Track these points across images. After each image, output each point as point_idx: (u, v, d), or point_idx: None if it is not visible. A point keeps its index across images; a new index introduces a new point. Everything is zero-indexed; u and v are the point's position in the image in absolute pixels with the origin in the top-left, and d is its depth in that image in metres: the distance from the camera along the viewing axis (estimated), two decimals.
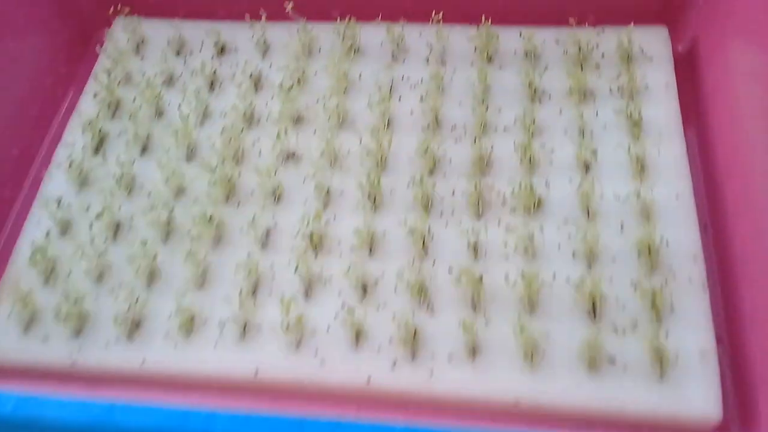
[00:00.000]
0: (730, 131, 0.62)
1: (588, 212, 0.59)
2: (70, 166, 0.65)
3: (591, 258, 0.57)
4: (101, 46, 0.74)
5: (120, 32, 0.74)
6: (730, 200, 0.59)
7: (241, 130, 0.67)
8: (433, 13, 0.69)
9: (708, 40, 0.68)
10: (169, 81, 0.71)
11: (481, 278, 0.56)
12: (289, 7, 0.70)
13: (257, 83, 0.70)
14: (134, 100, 0.69)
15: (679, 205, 0.59)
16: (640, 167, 0.61)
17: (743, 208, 0.58)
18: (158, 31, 0.74)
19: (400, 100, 0.68)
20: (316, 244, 0.60)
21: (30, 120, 0.70)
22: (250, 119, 0.68)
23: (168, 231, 0.62)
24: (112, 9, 0.74)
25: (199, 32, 0.74)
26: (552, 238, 0.58)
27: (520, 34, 0.69)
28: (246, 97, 0.68)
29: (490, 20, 0.69)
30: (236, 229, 0.61)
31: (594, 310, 0.55)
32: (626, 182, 0.60)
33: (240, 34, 0.73)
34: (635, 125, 0.63)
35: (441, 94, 0.67)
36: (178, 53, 0.73)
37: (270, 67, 0.71)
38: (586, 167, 0.62)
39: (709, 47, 0.67)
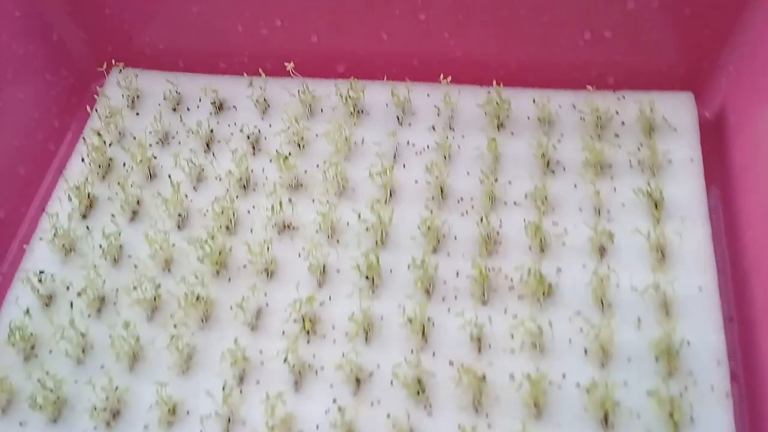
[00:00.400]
0: (760, 212, 0.57)
1: (602, 304, 0.55)
2: (54, 236, 0.61)
3: (604, 357, 0.52)
4: (94, 104, 0.70)
5: (114, 86, 0.71)
6: (760, 294, 0.54)
7: (236, 197, 0.63)
8: (441, 76, 0.65)
9: (738, 109, 0.62)
10: (164, 140, 0.68)
11: (484, 377, 0.52)
12: (290, 66, 0.66)
13: (255, 145, 0.66)
14: (124, 164, 0.66)
15: (702, 300, 0.54)
16: (660, 254, 0.56)
17: None
18: (155, 85, 0.71)
19: (404, 167, 0.64)
20: (309, 328, 0.56)
21: (18, 180, 0.67)
22: (246, 185, 0.64)
23: (153, 308, 0.58)
24: (105, 65, 0.71)
25: (196, 87, 0.70)
26: (562, 332, 0.54)
27: (534, 100, 0.65)
28: (242, 161, 0.64)
29: (501, 83, 0.65)
30: (225, 308, 0.58)
31: (606, 419, 0.50)
32: (645, 271, 0.55)
33: (239, 91, 0.69)
34: (656, 206, 0.58)
35: (448, 163, 0.63)
36: (174, 109, 0.70)
37: (269, 127, 0.67)
38: (602, 252, 0.57)
39: (739, 116, 0.62)
